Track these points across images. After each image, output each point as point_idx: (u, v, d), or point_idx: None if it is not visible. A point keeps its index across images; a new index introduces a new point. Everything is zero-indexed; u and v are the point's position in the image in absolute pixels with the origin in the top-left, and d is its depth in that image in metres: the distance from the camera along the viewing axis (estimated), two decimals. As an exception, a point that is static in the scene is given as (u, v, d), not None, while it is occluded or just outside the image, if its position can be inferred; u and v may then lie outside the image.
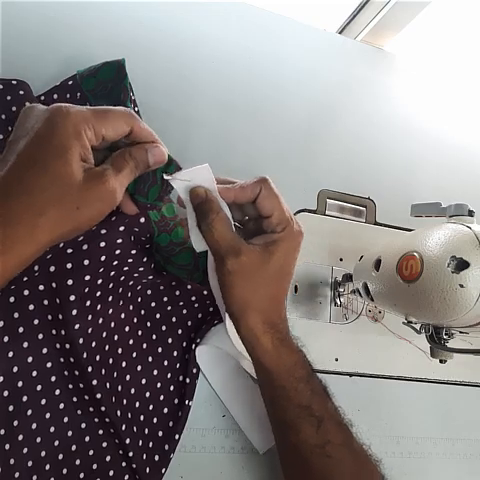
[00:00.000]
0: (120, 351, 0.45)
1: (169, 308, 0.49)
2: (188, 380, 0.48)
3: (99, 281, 0.42)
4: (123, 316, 0.46)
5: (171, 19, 0.63)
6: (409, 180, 0.68)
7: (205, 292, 0.49)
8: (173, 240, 0.46)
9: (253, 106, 0.63)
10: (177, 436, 0.46)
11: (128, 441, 0.43)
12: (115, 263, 0.42)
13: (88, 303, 0.42)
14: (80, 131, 0.31)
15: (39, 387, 0.41)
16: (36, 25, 0.55)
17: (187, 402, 0.47)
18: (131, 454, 0.43)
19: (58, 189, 0.30)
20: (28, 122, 0.32)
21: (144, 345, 0.47)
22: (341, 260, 0.59)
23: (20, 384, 0.40)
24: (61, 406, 0.43)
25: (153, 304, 0.48)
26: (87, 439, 0.43)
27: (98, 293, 0.43)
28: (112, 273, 0.43)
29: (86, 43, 0.56)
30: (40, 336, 0.41)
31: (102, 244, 0.41)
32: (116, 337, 0.45)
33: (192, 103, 0.60)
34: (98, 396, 0.42)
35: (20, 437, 0.40)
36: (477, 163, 0.74)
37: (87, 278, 0.41)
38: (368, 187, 0.64)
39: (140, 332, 0.47)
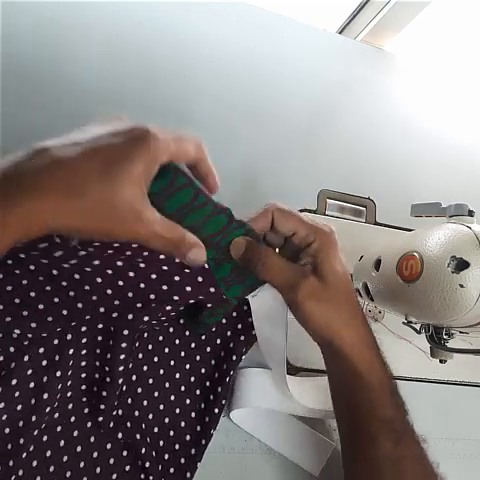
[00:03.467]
0: (135, 378, 0.46)
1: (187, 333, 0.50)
2: (216, 410, 0.47)
3: (145, 334, 0.46)
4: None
5: (171, 19, 0.63)
6: (409, 180, 0.68)
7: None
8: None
9: (253, 106, 0.63)
10: (198, 464, 0.46)
11: (148, 465, 0.43)
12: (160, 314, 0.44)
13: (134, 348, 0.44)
14: (158, 157, 0.30)
15: (57, 415, 0.42)
16: (34, 25, 0.55)
17: (211, 431, 0.46)
18: (151, 478, 0.43)
19: (108, 193, 0.28)
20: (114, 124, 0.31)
21: (161, 371, 0.47)
22: (341, 260, 0.59)
23: (47, 409, 0.41)
24: (75, 433, 0.43)
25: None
26: (111, 461, 0.44)
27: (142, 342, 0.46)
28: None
29: (86, 43, 0.56)
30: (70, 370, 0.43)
31: (168, 308, 0.43)
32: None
33: (192, 103, 0.60)
34: (112, 424, 0.43)
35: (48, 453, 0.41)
36: (477, 163, 0.74)
37: (140, 327, 0.43)
38: (368, 187, 0.64)
39: (156, 358, 0.48)
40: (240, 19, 0.67)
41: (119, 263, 0.43)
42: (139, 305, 0.43)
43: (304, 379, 0.50)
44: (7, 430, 0.39)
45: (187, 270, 0.44)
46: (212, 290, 0.43)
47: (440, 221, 0.44)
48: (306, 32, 0.71)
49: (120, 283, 0.42)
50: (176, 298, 0.43)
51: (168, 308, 0.43)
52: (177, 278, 0.43)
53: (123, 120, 0.32)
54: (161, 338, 0.48)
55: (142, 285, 0.43)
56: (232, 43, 0.65)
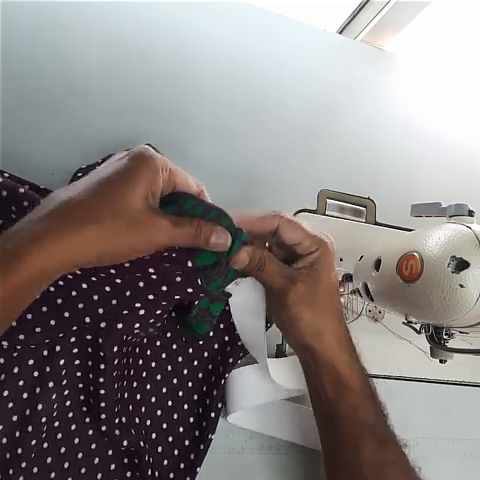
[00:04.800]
0: (135, 385, 0.46)
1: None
2: (213, 414, 0.47)
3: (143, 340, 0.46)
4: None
5: (171, 19, 0.63)
6: (409, 180, 0.68)
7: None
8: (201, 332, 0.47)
9: (253, 106, 0.63)
10: (198, 469, 0.45)
11: (149, 471, 0.43)
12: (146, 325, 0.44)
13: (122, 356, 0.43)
14: (158, 168, 0.32)
15: (57, 423, 0.42)
16: (34, 25, 0.55)
17: (210, 436, 0.46)
18: None
19: (118, 204, 0.31)
20: (114, 158, 0.34)
21: (158, 377, 0.47)
22: (341, 260, 0.59)
23: (43, 419, 0.41)
24: (76, 441, 0.43)
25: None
26: (112, 467, 0.44)
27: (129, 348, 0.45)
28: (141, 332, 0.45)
29: (86, 43, 0.56)
30: (64, 381, 0.43)
31: (158, 311, 0.42)
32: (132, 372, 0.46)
33: (192, 103, 0.60)
34: (117, 432, 0.42)
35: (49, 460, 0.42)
36: (477, 163, 0.74)
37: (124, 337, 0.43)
38: (368, 187, 0.64)
39: (153, 364, 0.47)
40: (240, 19, 0.67)
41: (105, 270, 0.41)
42: (125, 312, 0.41)
43: (282, 360, 0.50)
44: (4, 440, 0.39)
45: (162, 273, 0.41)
46: (190, 290, 0.40)
47: (440, 221, 0.44)
48: (306, 32, 0.71)
49: (107, 289, 0.41)
50: (151, 297, 0.41)
51: (158, 312, 0.42)
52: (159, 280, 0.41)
53: (126, 151, 0.34)
54: (158, 343, 0.48)
55: (128, 293, 0.42)
56: (232, 43, 0.65)
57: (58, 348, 0.42)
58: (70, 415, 0.43)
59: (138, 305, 0.41)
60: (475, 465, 0.57)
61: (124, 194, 0.31)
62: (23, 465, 0.40)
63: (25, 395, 0.41)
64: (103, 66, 0.56)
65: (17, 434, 0.40)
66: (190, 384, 0.48)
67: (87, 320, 0.41)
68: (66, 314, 0.41)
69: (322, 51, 0.72)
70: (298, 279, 0.40)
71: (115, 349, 0.42)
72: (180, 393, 0.47)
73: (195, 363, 0.49)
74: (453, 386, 0.59)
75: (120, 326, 0.41)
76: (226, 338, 0.50)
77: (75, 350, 0.43)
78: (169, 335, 0.48)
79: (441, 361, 0.47)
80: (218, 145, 0.55)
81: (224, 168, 0.53)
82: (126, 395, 0.44)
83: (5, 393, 0.40)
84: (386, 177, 0.67)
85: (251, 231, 0.39)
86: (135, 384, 0.46)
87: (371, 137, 0.69)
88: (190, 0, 0.64)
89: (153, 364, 0.47)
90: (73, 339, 0.43)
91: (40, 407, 0.41)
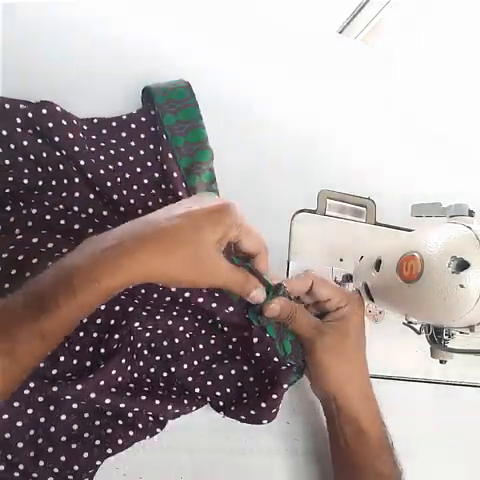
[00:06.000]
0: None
1: None
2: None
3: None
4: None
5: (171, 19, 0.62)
6: (409, 180, 0.68)
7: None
8: None
9: (253, 104, 0.63)
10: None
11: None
12: None
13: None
14: (233, 224, 0.38)
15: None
16: (35, 25, 0.55)
17: None
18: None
19: (198, 241, 0.36)
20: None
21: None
22: (341, 260, 0.59)
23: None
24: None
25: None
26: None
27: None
28: None
29: (86, 43, 0.56)
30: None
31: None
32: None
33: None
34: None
35: None
36: (477, 163, 0.74)
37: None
38: (368, 187, 0.64)
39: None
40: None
41: None
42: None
43: None
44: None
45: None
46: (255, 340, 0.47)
47: (440, 221, 0.44)
48: (306, 32, 0.71)
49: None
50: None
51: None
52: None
53: (210, 197, 0.42)
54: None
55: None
56: (230, 43, 0.65)
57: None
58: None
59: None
60: (475, 465, 0.57)
61: (205, 234, 0.36)
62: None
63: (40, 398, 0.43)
64: (103, 66, 0.56)
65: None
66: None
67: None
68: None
69: (322, 51, 0.71)
70: (325, 331, 0.44)
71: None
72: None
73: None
74: (453, 386, 0.59)
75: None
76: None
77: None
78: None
79: (441, 361, 0.47)
80: (218, 144, 0.54)
81: (224, 168, 0.53)
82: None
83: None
84: (386, 177, 0.67)
85: (291, 291, 0.45)
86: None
87: (371, 137, 0.69)
88: None
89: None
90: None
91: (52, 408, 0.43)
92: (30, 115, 0.47)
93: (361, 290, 0.49)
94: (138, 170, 0.51)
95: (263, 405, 0.46)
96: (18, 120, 0.47)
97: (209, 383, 0.48)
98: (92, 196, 0.48)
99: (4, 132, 0.47)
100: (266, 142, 0.61)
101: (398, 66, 0.77)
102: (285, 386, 0.46)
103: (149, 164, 0.52)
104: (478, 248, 0.38)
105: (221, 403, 0.47)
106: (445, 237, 0.40)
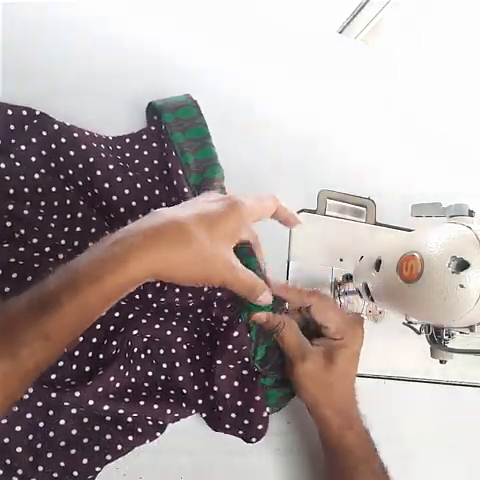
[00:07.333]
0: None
1: None
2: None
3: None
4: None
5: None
6: (409, 180, 0.68)
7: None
8: None
9: (253, 104, 0.63)
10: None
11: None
12: None
13: None
14: (243, 221, 0.38)
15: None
16: (35, 25, 0.55)
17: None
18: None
19: (212, 237, 0.35)
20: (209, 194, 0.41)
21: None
22: (341, 260, 0.59)
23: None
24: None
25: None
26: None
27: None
28: None
29: (87, 43, 0.56)
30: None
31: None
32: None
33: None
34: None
35: None
36: (477, 163, 0.74)
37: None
38: (368, 187, 0.64)
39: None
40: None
41: None
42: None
43: None
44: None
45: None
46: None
47: (440, 221, 0.44)
48: (306, 32, 0.71)
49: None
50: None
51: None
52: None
53: (218, 193, 0.42)
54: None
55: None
56: (230, 43, 0.65)
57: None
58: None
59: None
60: (475, 465, 0.57)
61: (217, 238, 0.35)
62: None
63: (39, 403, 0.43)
64: (104, 66, 0.56)
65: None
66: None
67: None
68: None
69: (322, 51, 0.71)
70: (308, 357, 0.44)
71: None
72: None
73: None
74: (453, 386, 0.59)
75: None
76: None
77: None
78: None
79: (441, 361, 0.47)
80: (218, 144, 0.54)
81: (224, 168, 0.53)
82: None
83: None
84: (386, 177, 0.67)
85: (288, 301, 0.46)
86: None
87: (371, 137, 0.69)
88: None
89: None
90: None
91: (51, 413, 0.43)
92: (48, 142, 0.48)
93: (361, 290, 0.49)
94: (149, 181, 0.51)
95: (246, 422, 0.46)
96: (33, 140, 0.48)
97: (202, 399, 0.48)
98: (94, 218, 0.47)
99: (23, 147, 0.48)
100: (266, 142, 0.61)
101: (398, 66, 0.77)
102: (258, 398, 0.46)
103: (157, 178, 0.51)
104: (478, 248, 0.38)
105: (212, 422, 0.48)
106: (445, 237, 0.40)
